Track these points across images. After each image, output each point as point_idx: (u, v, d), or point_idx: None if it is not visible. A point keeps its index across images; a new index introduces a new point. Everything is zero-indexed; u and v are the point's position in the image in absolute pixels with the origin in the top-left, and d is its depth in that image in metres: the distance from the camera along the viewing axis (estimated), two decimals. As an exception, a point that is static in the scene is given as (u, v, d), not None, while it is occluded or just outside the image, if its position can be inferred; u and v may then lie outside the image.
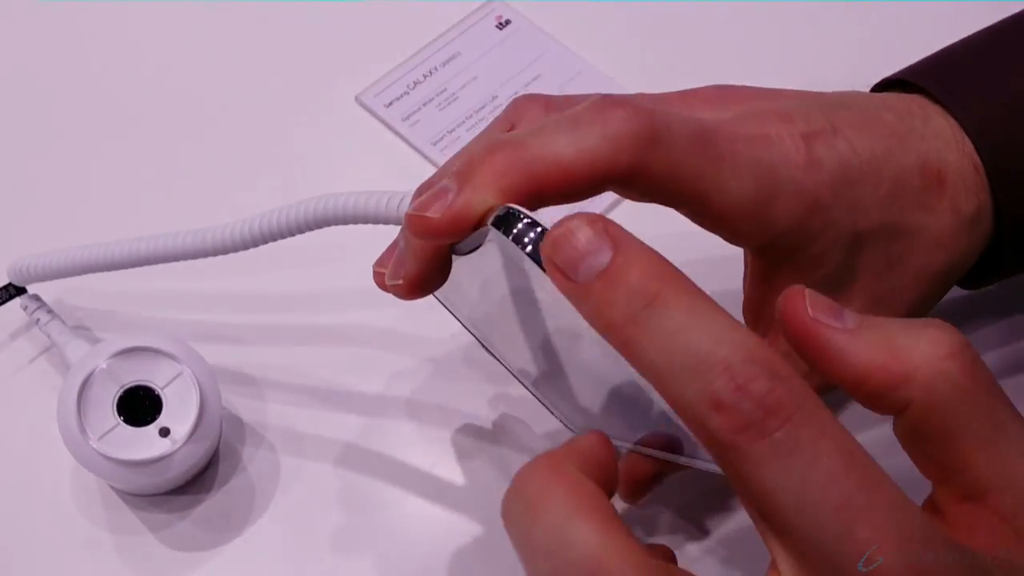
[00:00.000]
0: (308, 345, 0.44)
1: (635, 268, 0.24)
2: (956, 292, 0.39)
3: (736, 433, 0.23)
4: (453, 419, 0.43)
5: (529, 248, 0.27)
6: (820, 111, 0.33)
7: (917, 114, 0.35)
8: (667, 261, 0.25)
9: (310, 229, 0.36)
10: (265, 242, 0.37)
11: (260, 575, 0.39)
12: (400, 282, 0.33)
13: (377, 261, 0.35)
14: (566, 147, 0.28)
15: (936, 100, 0.35)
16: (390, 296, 0.45)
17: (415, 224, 0.29)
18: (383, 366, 0.44)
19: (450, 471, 0.42)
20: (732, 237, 0.33)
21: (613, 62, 0.52)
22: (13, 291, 0.42)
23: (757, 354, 0.23)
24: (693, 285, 0.25)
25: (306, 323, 0.45)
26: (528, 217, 0.27)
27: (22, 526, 0.40)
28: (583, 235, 0.25)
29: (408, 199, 0.32)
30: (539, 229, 0.27)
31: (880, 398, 0.25)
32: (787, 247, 0.33)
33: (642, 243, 0.25)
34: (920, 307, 0.36)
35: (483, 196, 0.28)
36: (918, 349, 0.25)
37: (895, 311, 0.35)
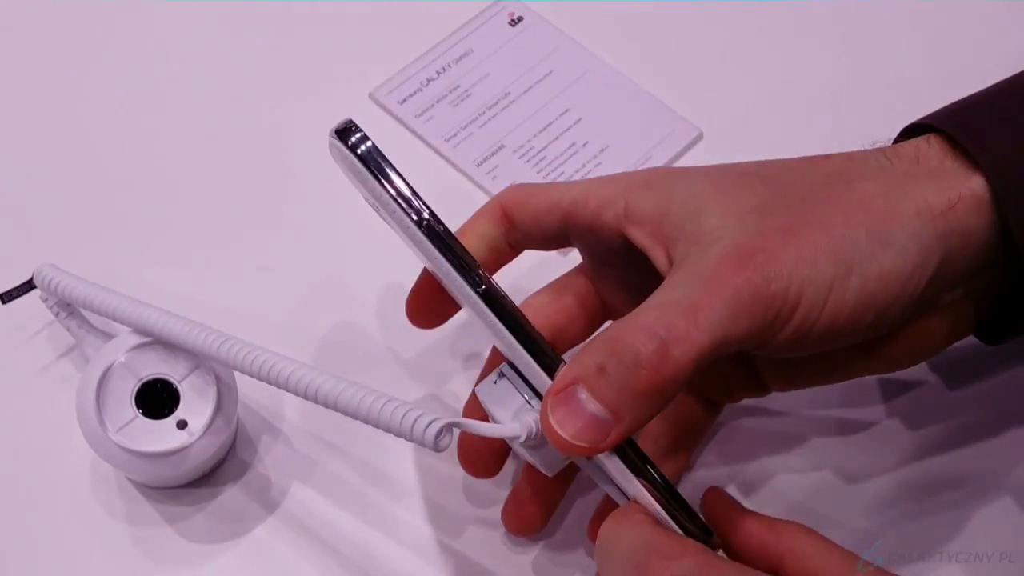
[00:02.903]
0: (325, 340, 0.44)
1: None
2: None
3: None
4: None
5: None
6: (780, 220, 0.33)
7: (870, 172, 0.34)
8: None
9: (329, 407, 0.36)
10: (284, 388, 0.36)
11: (276, 569, 0.40)
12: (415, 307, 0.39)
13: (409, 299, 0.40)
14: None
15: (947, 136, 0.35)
16: (402, 287, 0.46)
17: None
18: (401, 361, 0.44)
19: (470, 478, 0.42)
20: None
21: (625, 59, 0.52)
22: (34, 285, 0.42)
23: None
24: None
25: (323, 319, 0.45)
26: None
27: (41, 518, 0.41)
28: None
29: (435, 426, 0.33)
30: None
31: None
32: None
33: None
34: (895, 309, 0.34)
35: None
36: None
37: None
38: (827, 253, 0.32)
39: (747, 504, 0.40)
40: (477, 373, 0.42)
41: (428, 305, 0.39)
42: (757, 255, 0.31)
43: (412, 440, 0.33)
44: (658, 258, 0.34)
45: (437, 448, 0.33)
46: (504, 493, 0.41)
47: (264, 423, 0.43)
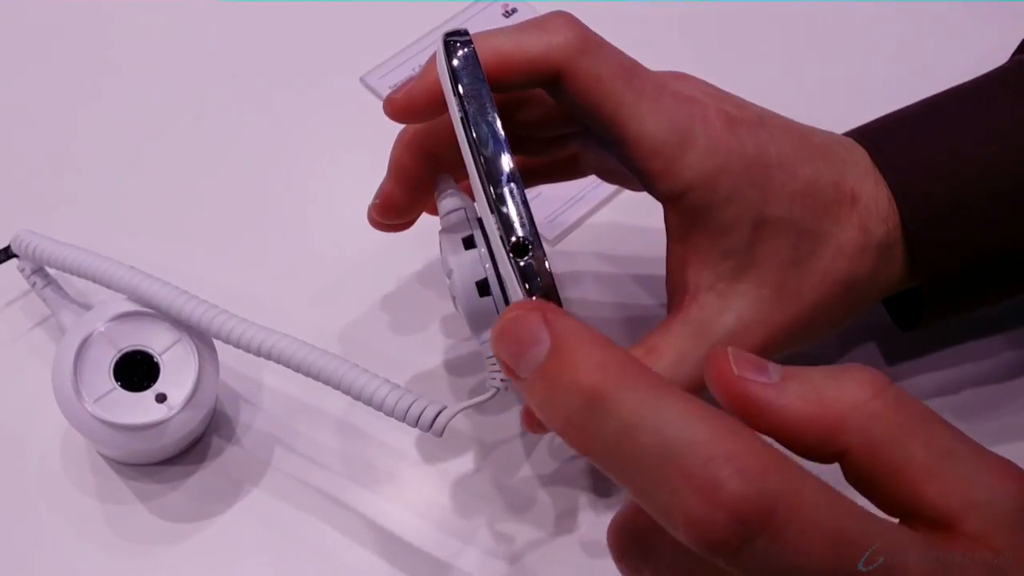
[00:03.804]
0: (306, 317, 0.44)
1: (574, 363, 0.24)
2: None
3: (713, 550, 0.22)
4: (455, 390, 0.43)
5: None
6: (755, 111, 0.37)
7: (844, 144, 0.38)
8: (614, 349, 0.24)
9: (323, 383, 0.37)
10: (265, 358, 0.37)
11: (251, 548, 0.39)
12: (377, 201, 0.39)
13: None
14: (507, 42, 0.34)
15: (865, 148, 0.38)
16: (392, 269, 0.46)
17: (387, 108, 0.35)
18: (382, 337, 0.44)
19: (450, 441, 0.41)
20: (646, 178, 0.36)
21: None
22: (11, 253, 0.41)
23: (719, 450, 0.22)
24: (644, 374, 0.24)
25: (305, 295, 0.45)
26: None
27: (10, 493, 0.40)
28: (523, 325, 0.25)
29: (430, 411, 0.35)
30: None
31: (818, 449, 0.25)
32: (696, 204, 0.35)
33: (585, 330, 0.24)
34: (823, 310, 0.37)
35: (432, 77, 0.33)
36: (844, 395, 0.25)
37: (799, 307, 0.37)
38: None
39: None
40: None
41: (399, 205, 0.39)
42: None
43: (409, 424, 0.34)
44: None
45: (437, 433, 0.35)
46: (486, 463, 0.40)
47: (243, 401, 0.42)
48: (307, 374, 0.36)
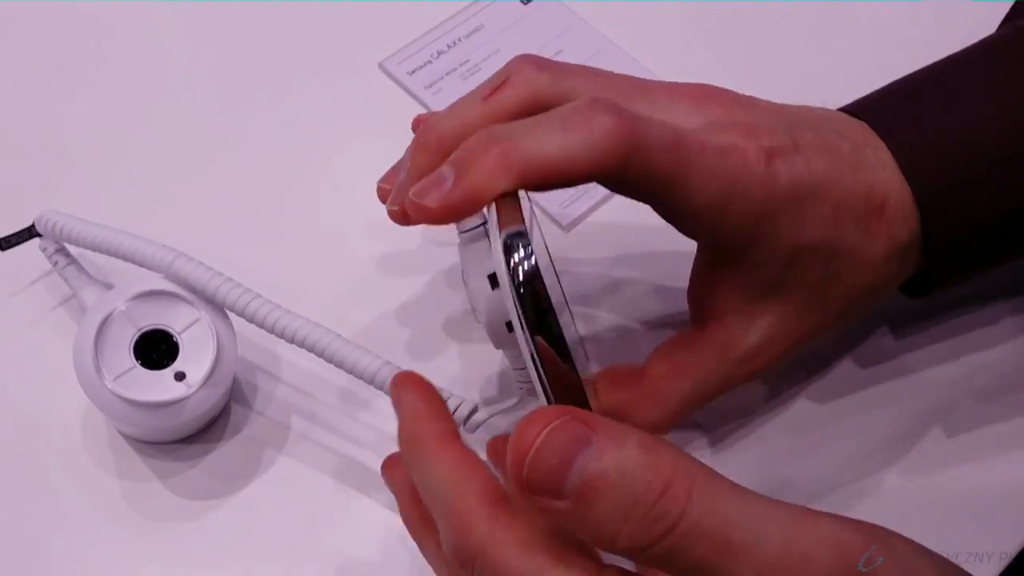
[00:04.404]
0: (324, 300, 0.44)
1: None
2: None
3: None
4: (469, 379, 0.43)
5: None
6: (786, 129, 0.36)
7: (870, 144, 0.37)
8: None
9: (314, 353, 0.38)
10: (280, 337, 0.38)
11: (267, 526, 0.40)
12: (396, 208, 0.36)
13: (383, 178, 0.39)
14: (555, 150, 0.31)
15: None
16: (410, 259, 0.46)
17: (414, 209, 0.32)
18: (399, 324, 0.44)
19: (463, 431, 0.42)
20: (689, 232, 0.36)
21: (635, 41, 0.52)
22: (34, 232, 0.42)
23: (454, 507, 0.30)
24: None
25: (324, 279, 0.45)
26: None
27: (32, 469, 0.40)
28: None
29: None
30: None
31: None
32: (734, 248, 0.36)
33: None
34: (845, 317, 0.38)
35: (476, 189, 0.31)
36: None
37: (823, 319, 0.38)
38: None
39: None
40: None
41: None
42: None
43: None
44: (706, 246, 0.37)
45: (471, 430, 0.37)
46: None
47: (260, 381, 0.42)
48: (339, 366, 0.38)
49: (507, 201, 0.31)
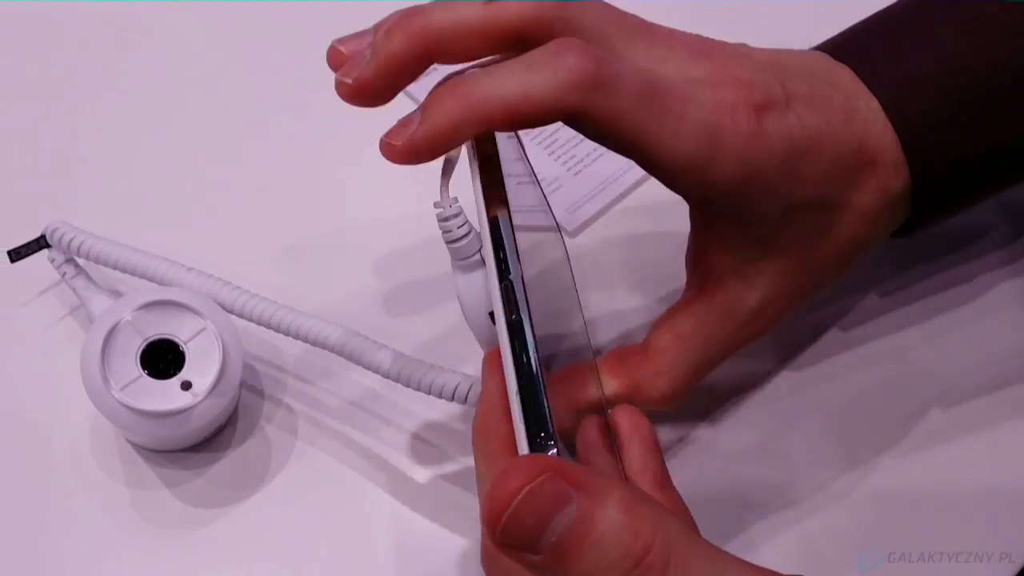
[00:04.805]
0: (328, 308, 0.44)
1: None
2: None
3: None
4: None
5: None
6: (779, 83, 0.35)
7: (862, 95, 0.37)
8: None
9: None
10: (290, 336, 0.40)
11: (274, 534, 0.40)
12: (348, 81, 0.33)
13: (341, 39, 0.35)
14: (515, 88, 0.31)
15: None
16: (414, 258, 0.46)
17: (381, 148, 0.32)
18: (404, 330, 0.44)
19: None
20: (676, 187, 0.35)
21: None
22: (43, 243, 0.42)
23: None
24: None
25: (327, 287, 0.45)
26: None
27: (40, 477, 0.41)
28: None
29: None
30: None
31: None
32: (724, 207, 0.35)
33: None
34: (840, 270, 0.39)
35: (437, 130, 0.31)
36: None
37: (819, 274, 0.38)
38: None
39: (743, 501, 0.41)
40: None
41: (376, 94, 0.34)
42: None
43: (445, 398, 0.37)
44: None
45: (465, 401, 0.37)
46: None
47: (266, 390, 0.43)
48: (343, 355, 0.39)
49: (488, 166, 0.32)
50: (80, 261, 0.43)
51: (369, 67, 0.33)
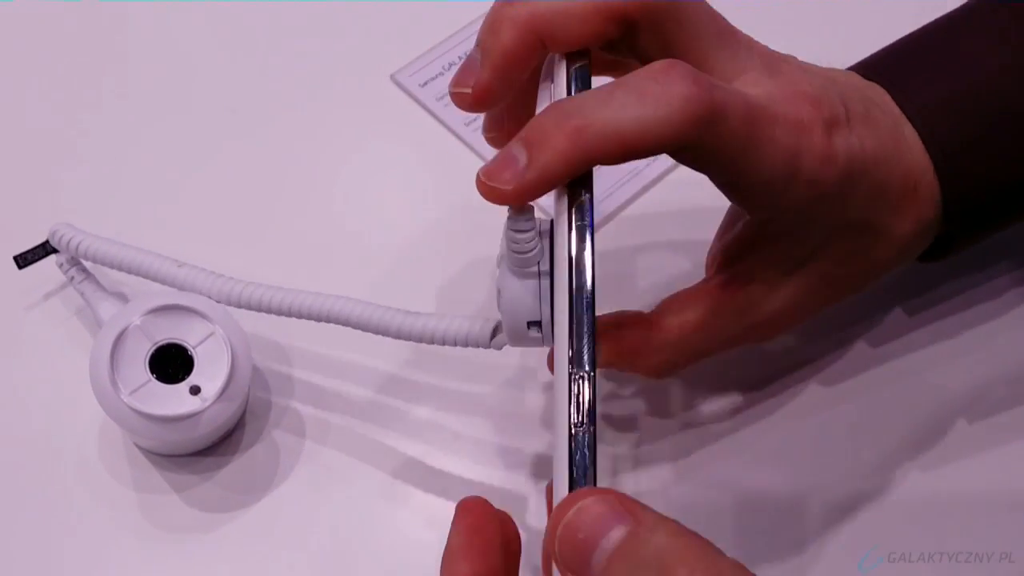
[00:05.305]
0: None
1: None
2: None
3: None
4: (485, 387, 0.43)
5: None
6: (841, 101, 0.35)
7: (904, 120, 0.37)
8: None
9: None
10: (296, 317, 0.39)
11: (282, 539, 0.40)
12: (467, 91, 0.33)
13: (453, 82, 0.35)
14: (630, 123, 0.30)
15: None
16: (423, 267, 0.46)
17: (486, 192, 0.30)
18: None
19: (480, 437, 0.42)
20: (747, 206, 0.35)
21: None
22: (50, 248, 0.42)
23: None
24: None
25: (327, 287, 0.45)
26: None
27: (49, 481, 0.41)
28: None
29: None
30: None
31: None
32: (784, 223, 0.36)
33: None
34: (862, 288, 0.39)
35: (552, 172, 0.30)
36: None
37: (842, 292, 0.38)
38: None
39: (742, 500, 0.41)
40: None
41: (495, 96, 0.34)
42: None
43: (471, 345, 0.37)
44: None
45: (498, 347, 0.36)
46: (517, 461, 0.41)
47: (275, 394, 0.43)
48: (357, 327, 0.38)
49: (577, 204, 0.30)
50: (87, 264, 0.43)
51: (485, 70, 0.32)
